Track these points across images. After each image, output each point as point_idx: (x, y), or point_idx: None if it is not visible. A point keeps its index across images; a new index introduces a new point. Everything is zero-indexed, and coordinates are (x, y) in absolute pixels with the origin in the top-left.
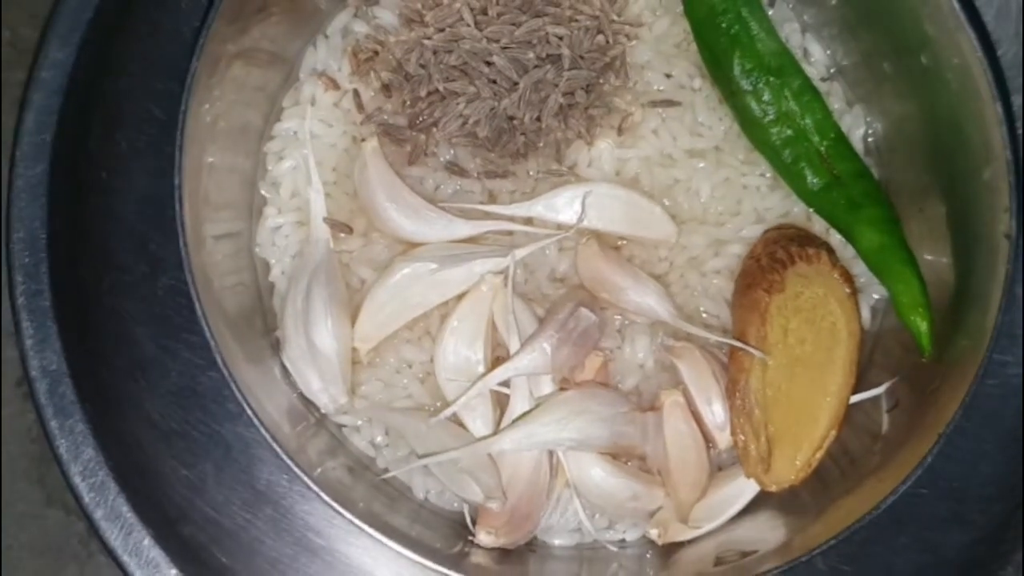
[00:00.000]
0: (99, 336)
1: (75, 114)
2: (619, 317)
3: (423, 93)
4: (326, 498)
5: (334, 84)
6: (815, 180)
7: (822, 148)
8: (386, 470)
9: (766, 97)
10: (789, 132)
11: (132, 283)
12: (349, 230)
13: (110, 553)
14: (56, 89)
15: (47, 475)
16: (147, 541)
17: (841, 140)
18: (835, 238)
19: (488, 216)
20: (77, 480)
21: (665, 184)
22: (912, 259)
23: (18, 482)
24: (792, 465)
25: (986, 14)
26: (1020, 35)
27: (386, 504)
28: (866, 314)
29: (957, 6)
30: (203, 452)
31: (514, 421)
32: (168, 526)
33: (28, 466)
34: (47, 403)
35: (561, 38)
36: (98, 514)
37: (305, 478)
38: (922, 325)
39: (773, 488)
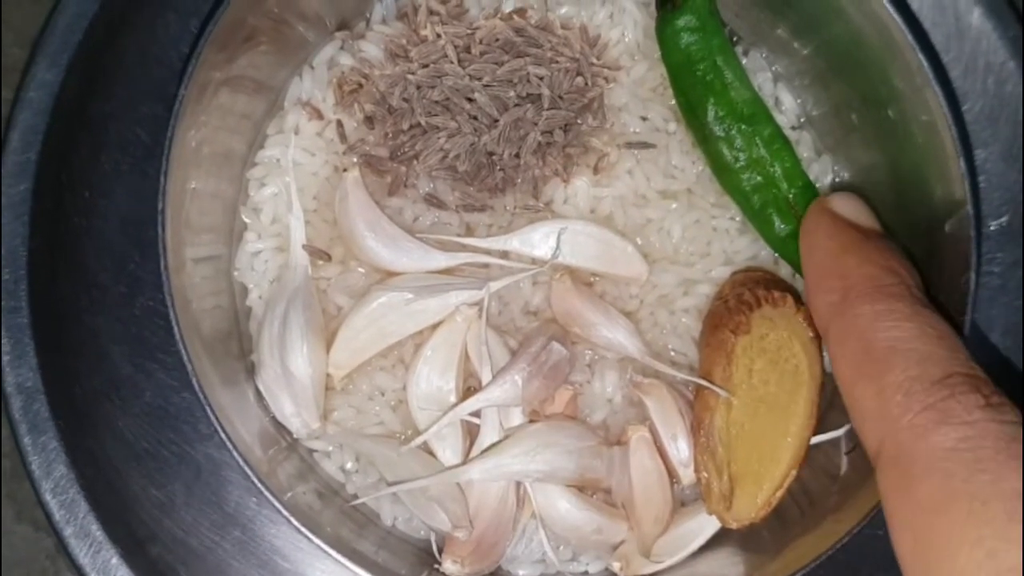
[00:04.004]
0: (75, 354)
1: (61, 134)
2: (589, 352)
3: (405, 126)
4: (295, 522)
5: (318, 114)
6: (782, 226)
7: (790, 195)
8: (355, 496)
9: (738, 143)
10: (759, 178)
11: (110, 302)
12: (328, 257)
13: (78, 571)
14: (43, 109)
15: (17, 490)
16: (115, 560)
17: (809, 188)
18: (801, 282)
19: (465, 248)
20: (48, 497)
21: (638, 223)
22: None
23: None
24: (753, 503)
25: (953, 70)
26: (988, 90)
27: (354, 530)
28: (828, 358)
29: (925, 63)
30: (174, 473)
31: (483, 451)
32: (136, 545)
33: None
34: (21, 419)
35: (542, 78)
36: (67, 531)
37: (275, 502)
38: None
39: (734, 525)
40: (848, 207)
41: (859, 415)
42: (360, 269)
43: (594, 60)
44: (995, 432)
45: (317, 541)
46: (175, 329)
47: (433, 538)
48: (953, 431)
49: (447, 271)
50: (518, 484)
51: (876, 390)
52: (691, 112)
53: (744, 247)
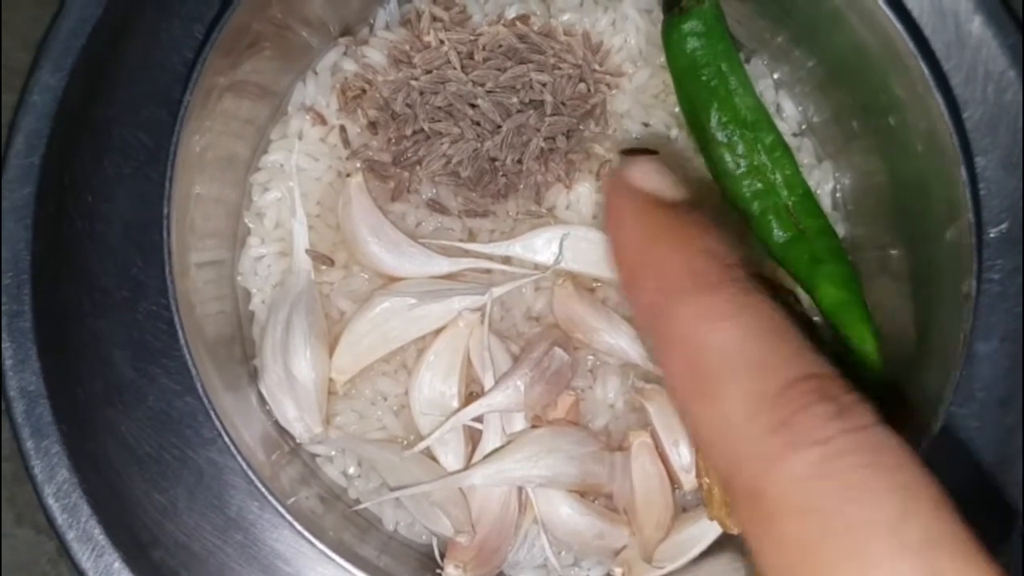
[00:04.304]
0: (78, 358)
1: (64, 138)
2: (591, 357)
3: (408, 132)
4: (298, 527)
5: (322, 119)
6: (781, 233)
7: (790, 203)
8: (357, 501)
9: (740, 150)
10: (759, 185)
11: (113, 307)
12: (330, 262)
13: (80, 575)
14: (46, 114)
15: (18, 494)
16: (117, 564)
17: (808, 197)
18: (800, 289)
19: (467, 254)
20: (50, 501)
21: None
22: (868, 316)
23: None
24: None
25: (954, 77)
26: (988, 98)
27: (356, 535)
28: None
29: (927, 71)
30: (176, 477)
31: (486, 457)
32: (139, 550)
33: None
34: (24, 423)
35: (544, 85)
36: (70, 536)
37: (278, 506)
38: None
39: (735, 531)
40: (649, 177)
41: (700, 440)
42: (363, 274)
43: (596, 66)
44: (855, 446)
45: (320, 546)
46: (179, 334)
47: (435, 543)
48: (808, 454)
49: (450, 276)
50: (520, 489)
51: (714, 412)
52: (694, 117)
53: (744, 254)
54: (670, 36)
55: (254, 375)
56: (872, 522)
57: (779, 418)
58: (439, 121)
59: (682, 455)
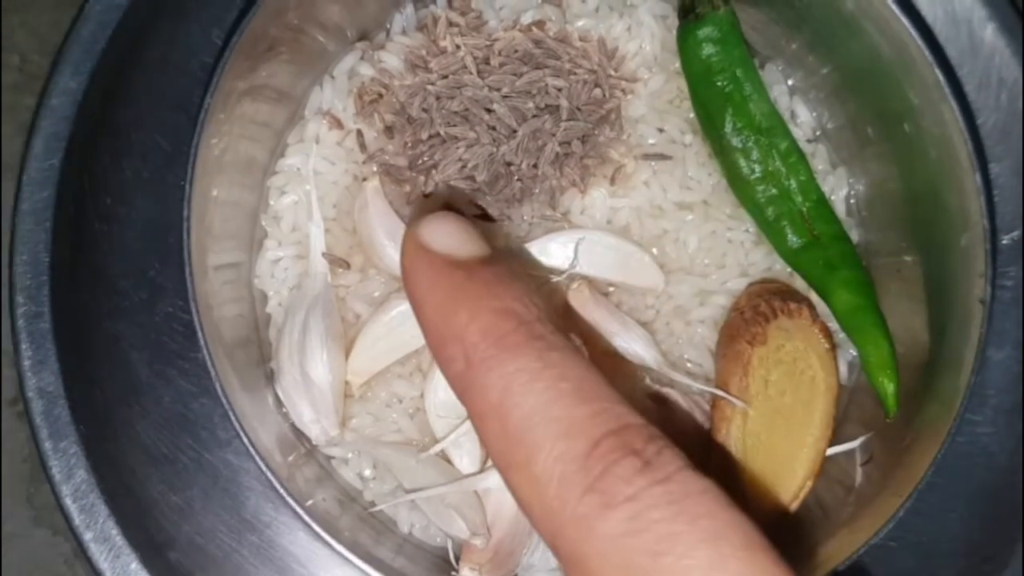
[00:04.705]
0: (96, 360)
1: (83, 141)
2: None
3: (424, 136)
4: (316, 528)
5: (338, 123)
6: (795, 239)
7: (804, 209)
8: (373, 503)
9: (754, 156)
10: (774, 191)
11: (130, 308)
12: (347, 265)
13: None
14: (65, 117)
15: (36, 495)
16: (134, 565)
17: (823, 203)
18: (815, 295)
19: None
20: (68, 502)
21: (654, 234)
22: (883, 322)
23: (6, 500)
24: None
25: (968, 84)
26: (1001, 105)
27: (371, 537)
28: (844, 369)
29: (942, 78)
30: (192, 478)
31: None
32: (155, 550)
33: (17, 485)
34: (42, 424)
35: (560, 90)
36: (87, 536)
37: (295, 507)
38: (889, 386)
39: None
40: (441, 237)
41: (522, 506)
42: (379, 277)
43: (612, 72)
44: (661, 497)
45: (338, 547)
46: (199, 335)
47: (450, 545)
48: (619, 513)
49: None
50: None
51: (530, 480)
52: (709, 122)
53: (759, 259)
54: (685, 42)
55: (271, 377)
56: (686, 572)
57: (591, 479)
58: (455, 126)
59: None
